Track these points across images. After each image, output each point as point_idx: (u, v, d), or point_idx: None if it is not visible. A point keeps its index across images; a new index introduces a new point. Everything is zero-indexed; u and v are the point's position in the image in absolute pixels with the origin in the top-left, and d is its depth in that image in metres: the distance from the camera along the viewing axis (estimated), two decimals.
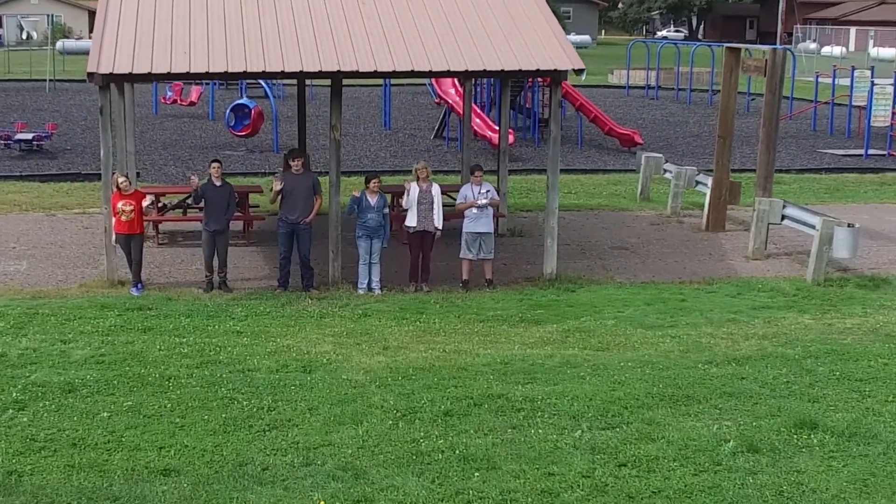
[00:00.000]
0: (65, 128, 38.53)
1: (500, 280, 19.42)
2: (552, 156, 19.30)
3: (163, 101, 43.74)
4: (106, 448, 11.82)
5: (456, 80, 37.83)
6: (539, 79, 38.25)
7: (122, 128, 22.44)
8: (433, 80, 39.59)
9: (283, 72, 17.83)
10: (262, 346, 15.47)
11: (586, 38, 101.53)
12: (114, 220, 18.26)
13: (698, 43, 65.40)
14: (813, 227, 20.31)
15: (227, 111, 35.96)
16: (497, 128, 34.38)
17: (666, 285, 19.51)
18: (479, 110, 35.18)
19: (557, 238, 19.53)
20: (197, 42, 18.29)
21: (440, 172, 30.04)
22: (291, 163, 18.57)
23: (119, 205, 18.15)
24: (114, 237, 18.42)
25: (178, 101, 43.00)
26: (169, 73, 17.86)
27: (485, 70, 18.62)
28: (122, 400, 13.21)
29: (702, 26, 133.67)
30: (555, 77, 19.10)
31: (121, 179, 18.25)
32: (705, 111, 49.17)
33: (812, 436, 12.46)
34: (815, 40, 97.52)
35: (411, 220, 18.77)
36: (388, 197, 19.85)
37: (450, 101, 37.09)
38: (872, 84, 37.46)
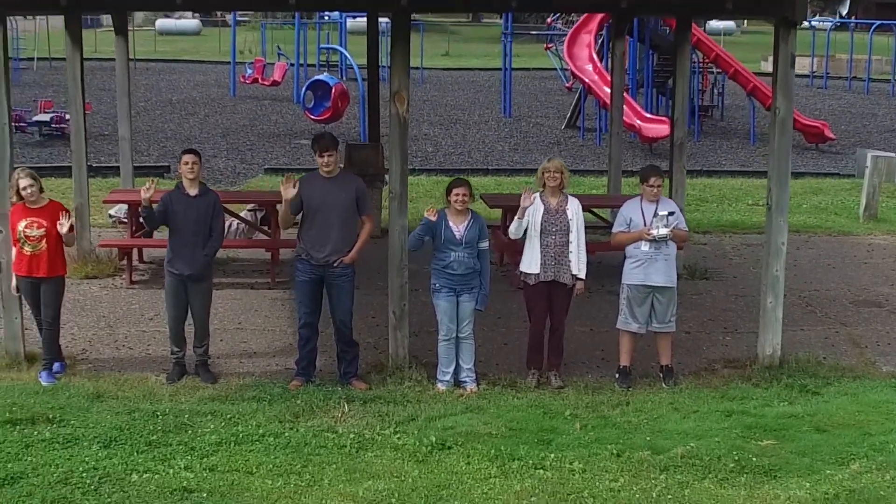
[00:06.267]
0: (110, 109, 31.15)
1: (684, 365, 11.26)
2: (777, 152, 11.18)
3: (242, 80, 37.81)
4: None
5: (594, 55, 29.67)
6: (703, 55, 30.25)
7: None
8: (565, 51, 31.31)
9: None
10: None
11: (731, 24, 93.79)
12: (14, 251, 10.59)
13: (877, 22, 56.26)
14: None
15: (303, 89, 28.61)
16: (648, 116, 26.88)
17: None
18: None
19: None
20: None
21: (574, 173, 21.94)
22: (318, 159, 10.54)
23: (20, 227, 10.44)
24: (14, 281, 10.71)
25: (260, 81, 37.19)
26: None
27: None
28: None
29: (854, 15, 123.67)
30: (784, 21, 10.85)
31: (23, 182, 10.46)
32: (890, 102, 40.84)
33: None
34: None
35: (530, 264, 10.68)
36: (494, 220, 11.66)
37: (587, 81, 28.92)
38: None
